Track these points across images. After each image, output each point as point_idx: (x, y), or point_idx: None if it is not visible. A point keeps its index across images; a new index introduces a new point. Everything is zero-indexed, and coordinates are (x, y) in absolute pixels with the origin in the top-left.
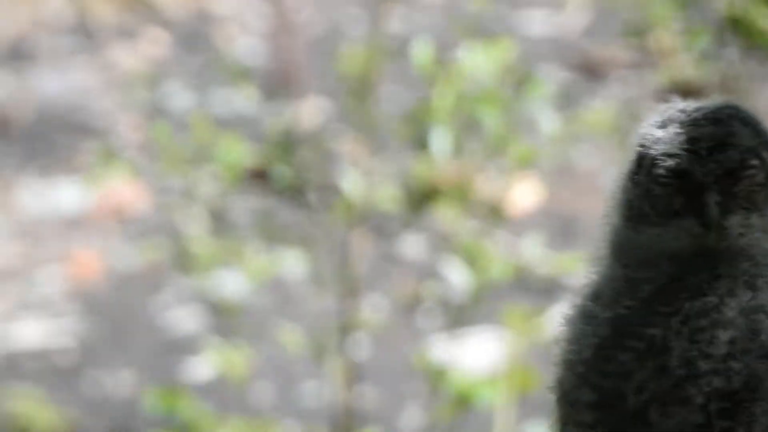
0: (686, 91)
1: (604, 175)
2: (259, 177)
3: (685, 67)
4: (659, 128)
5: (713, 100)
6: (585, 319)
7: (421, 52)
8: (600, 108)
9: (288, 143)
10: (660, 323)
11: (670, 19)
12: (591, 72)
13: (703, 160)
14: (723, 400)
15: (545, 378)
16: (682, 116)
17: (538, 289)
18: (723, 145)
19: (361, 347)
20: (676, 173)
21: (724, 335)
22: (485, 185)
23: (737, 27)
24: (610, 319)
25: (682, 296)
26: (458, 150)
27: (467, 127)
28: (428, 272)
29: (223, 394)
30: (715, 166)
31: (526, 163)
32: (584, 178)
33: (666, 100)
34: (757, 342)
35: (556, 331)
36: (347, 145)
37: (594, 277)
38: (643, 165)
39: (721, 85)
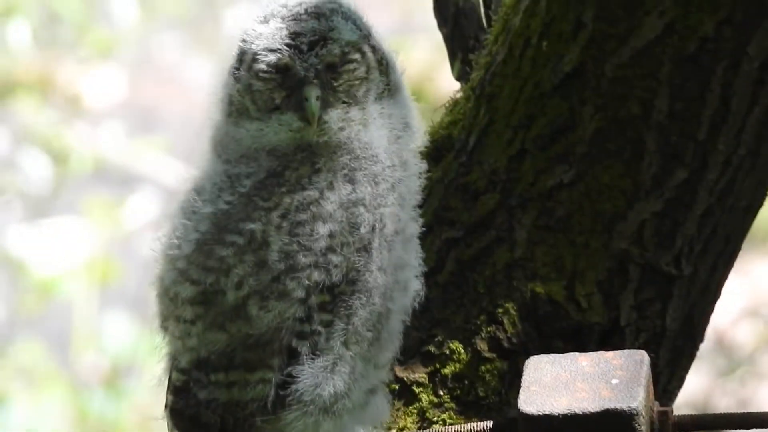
0: None
1: (183, 66)
2: None
3: None
4: (261, 23)
5: None
6: (186, 215)
7: None
8: (177, 6)
9: None
10: (260, 218)
11: None
12: None
13: (304, 55)
14: (323, 293)
15: (125, 269)
16: (284, 11)
17: (118, 180)
18: (324, 39)
19: None
20: (277, 68)
21: (323, 229)
22: (65, 77)
23: None
24: (211, 214)
25: (282, 190)
26: (39, 42)
27: (49, 19)
28: (8, 164)
29: None
30: (316, 61)
31: (106, 53)
32: (163, 69)
33: None
34: (356, 235)
35: (143, 224)
36: None
37: (195, 172)
38: (245, 60)
39: None
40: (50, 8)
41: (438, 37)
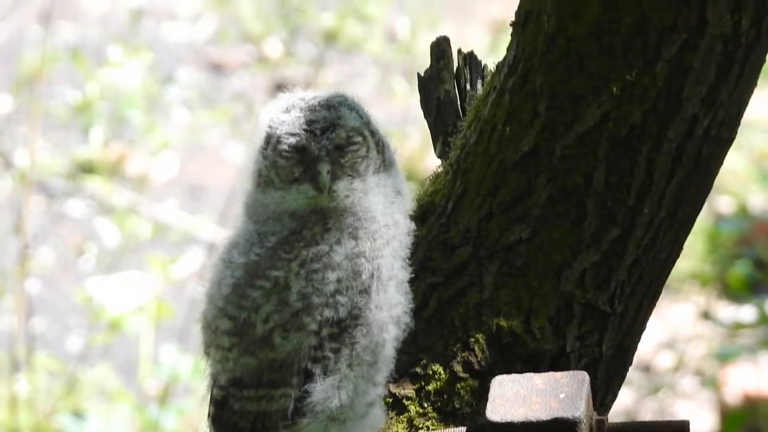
0: (287, 84)
1: (226, 151)
2: None
3: (288, 66)
4: (284, 112)
5: (326, 90)
6: (224, 264)
7: (79, 58)
8: (222, 102)
9: None
10: (283, 267)
11: (278, 29)
12: (218, 70)
13: (318, 138)
14: (332, 326)
15: (176, 310)
16: (301, 103)
17: (174, 242)
18: (333, 126)
19: (34, 288)
20: (296, 148)
21: (332, 275)
22: (133, 163)
23: (329, 38)
24: (244, 264)
25: (300, 245)
26: (113, 135)
27: (117, 119)
28: (89, 229)
29: None
30: (327, 143)
31: (164, 146)
32: (210, 153)
33: (287, 90)
34: (358, 280)
35: (191, 275)
36: (24, 130)
37: (231, 231)
38: (270, 142)
39: (310, 81)
40: (118, 111)
41: (426, 125)
